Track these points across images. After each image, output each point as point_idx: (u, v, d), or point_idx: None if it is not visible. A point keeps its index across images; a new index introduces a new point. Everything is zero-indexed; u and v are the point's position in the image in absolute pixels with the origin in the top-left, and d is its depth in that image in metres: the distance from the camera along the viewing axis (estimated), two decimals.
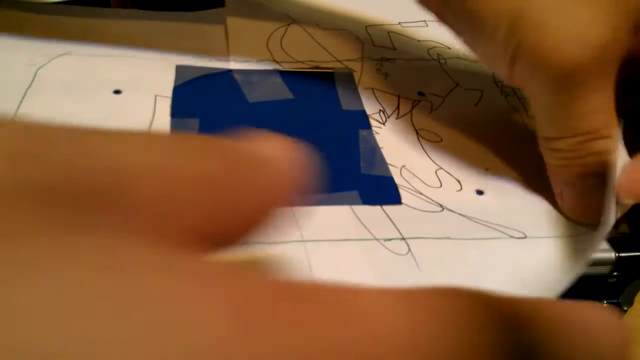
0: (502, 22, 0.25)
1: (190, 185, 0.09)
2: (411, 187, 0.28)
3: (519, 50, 0.25)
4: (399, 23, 0.41)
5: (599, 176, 0.26)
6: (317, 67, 0.35)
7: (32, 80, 0.31)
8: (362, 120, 0.32)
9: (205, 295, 0.07)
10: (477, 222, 0.27)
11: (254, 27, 0.38)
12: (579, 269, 0.22)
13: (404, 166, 0.29)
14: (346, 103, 0.33)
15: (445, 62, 0.38)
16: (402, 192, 0.28)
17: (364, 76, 0.35)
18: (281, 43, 0.37)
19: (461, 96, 0.35)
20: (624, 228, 0.28)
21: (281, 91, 0.33)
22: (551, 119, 0.26)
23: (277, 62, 0.35)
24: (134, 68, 0.33)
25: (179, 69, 0.33)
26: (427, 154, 0.31)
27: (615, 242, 0.27)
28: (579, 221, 0.27)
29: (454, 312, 0.09)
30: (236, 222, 0.10)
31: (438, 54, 0.38)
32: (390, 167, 0.29)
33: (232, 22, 0.38)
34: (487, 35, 0.26)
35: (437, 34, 0.39)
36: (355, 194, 0.27)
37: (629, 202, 0.24)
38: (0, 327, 0.06)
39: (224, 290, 0.07)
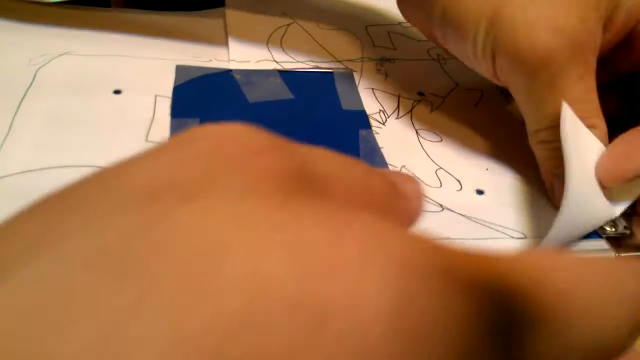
0: (480, 22, 0.26)
1: (376, 190, 0.12)
2: None
3: (497, 46, 0.26)
4: (399, 23, 0.41)
5: None
6: (317, 67, 0.35)
7: (32, 80, 0.31)
8: (362, 120, 0.32)
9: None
10: (477, 222, 0.27)
11: (254, 27, 0.38)
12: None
13: (404, 166, 0.29)
14: (346, 103, 0.33)
15: (445, 62, 0.38)
16: None
17: (364, 76, 0.35)
18: (281, 43, 0.37)
19: (461, 96, 0.35)
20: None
21: (281, 91, 0.33)
22: (533, 109, 0.27)
23: (277, 62, 0.35)
24: (134, 68, 0.33)
25: (179, 69, 0.33)
26: (427, 154, 0.31)
27: (615, 242, 0.27)
28: None
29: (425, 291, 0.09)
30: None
31: (438, 54, 0.38)
32: (390, 167, 0.29)
33: (232, 22, 0.38)
34: (470, 38, 0.27)
35: None
36: None
37: (611, 186, 0.25)
38: (244, 259, 0.07)
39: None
